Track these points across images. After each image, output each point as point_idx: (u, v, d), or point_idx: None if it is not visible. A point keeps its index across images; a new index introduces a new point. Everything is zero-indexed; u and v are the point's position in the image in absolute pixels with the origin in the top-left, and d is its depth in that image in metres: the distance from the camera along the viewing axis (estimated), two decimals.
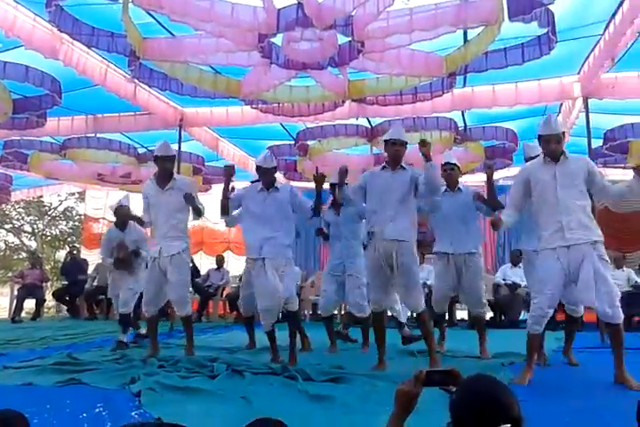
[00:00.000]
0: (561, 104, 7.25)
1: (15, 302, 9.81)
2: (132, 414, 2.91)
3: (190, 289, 9.73)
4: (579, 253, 3.53)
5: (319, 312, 5.93)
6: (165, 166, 4.76)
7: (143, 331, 5.86)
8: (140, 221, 4.90)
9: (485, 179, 4.59)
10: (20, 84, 5.94)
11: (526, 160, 4.63)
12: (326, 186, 4.64)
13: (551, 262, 3.61)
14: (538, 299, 3.68)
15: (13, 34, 5.15)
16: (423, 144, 3.99)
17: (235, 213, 4.64)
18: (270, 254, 4.30)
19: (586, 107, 6.34)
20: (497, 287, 8.39)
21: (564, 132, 3.75)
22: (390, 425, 1.53)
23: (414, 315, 4.65)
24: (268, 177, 4.44)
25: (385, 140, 4.29)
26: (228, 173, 4.48)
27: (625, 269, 8.41)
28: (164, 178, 4.75)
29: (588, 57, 5.99)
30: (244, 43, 4.84)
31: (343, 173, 4.36)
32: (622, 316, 3.51)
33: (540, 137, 3.73)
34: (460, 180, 5.07)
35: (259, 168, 4.47)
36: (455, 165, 5.00)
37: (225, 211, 4.54)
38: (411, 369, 1.61)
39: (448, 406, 1.39)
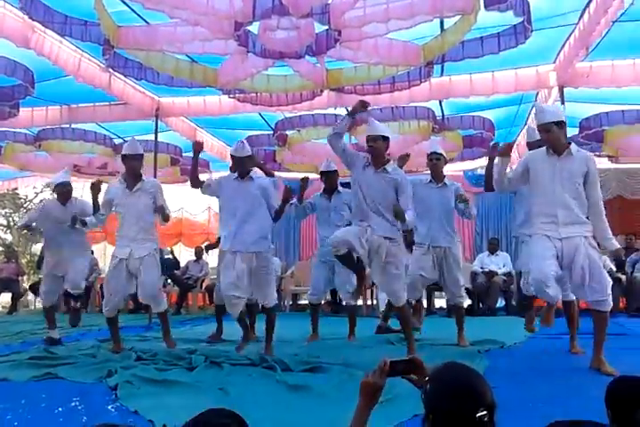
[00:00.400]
0: (537, 93, 7.30)
1: None
2: (109, 407, 2.90)
3: (169, 281, 9.77)
4: (571, 246, 3.54)
5: (302, 302, 5.92)
6: (133, 166, 4.67)
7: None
8: (95, 208, 4.78)
9: (487, 160, 4.34)
10: None
11: (528, 145, 4.58)
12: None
13: (545, 242, 3.58)
14: (530, 271, 3.64)
15: None
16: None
17: (206, 181, 4.56)
18: (241, 247, 4.27)
19: (561, 96, 6.39)
20: (474, 275, 8.48)
21: (560, 122, 3.60)
22: (356, 417, 1.53)
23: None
24: (241, 166, 4.37)
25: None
26: (198, 147, 4.50)
27: None
28: (132, 178, 4.67)
29: (563, 46, 6.02)
30: (220, 31, 4.76)
31: (288, 193, 4.37)
32: (611, 304, 3.57)
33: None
34: (442, 169, 5.05)
35: (232, 157, 4.45)
36: (441, 155, 5.01)
37: (196, 183, 4.48)
38: (387, 357, 1.61)
39: (420, 396, 1.39)
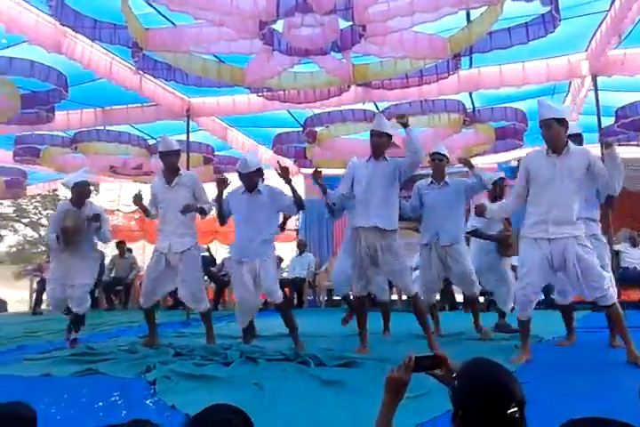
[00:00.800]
0: (570, 83, 7.14)
1: (35, 295, 9.98)
2: (147, 402, 2.98)
3: (206, 278, 9.93)
4: (560, 246, 3.56)
5: (337, 297, 5.93)
6: (170, 161, 4.81)
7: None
8: (146, 212, 4.90)
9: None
10: (26, 80, 5.98)
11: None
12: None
13: (532, 251, 3.65)
14: (521, 285, 3.76)
15: (19, 30, 5.16)
16: (401, 117, 4.16)
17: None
18: (248, 258, 4.44)
19: (595, 85, 6.24)
20: (512, 269, 8.34)
21: (561, 119, 3.57)
22: (382, 412, 1.54)
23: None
24: (247, 181, 4.48)
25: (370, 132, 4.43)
26: (221, 183, 4.53)
27: None
28: (170, 173, 4.80)
29: (594, 34, 5.87)
30: (244, 30, 4.81)
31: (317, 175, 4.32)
32: (615, 295, 3.57)
33: None
34: (444, 169, 5.07)
35: (238, 173, 4.51)
36: (444, 155, 5.04)
37: (222, 220, 4.68)
38: (419, 353, 1.62)
39: (448, 393, 1.38)
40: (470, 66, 6.48)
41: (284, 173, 4.36)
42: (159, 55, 5.61)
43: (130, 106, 7.94)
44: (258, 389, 3.13)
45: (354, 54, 5.48)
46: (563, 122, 3.58)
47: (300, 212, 5.03)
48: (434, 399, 2.61)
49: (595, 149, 4.53)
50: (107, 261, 10.67)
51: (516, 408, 1.24)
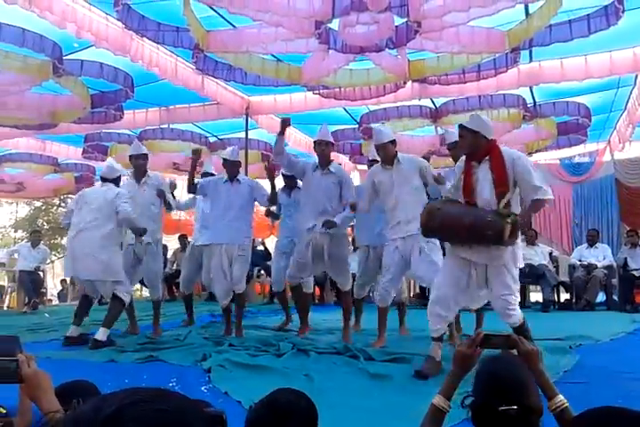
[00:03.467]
0: (636, 76, 6.84)
1: None
2: (202, 388, 3.12)
3: (262, 272, 10.13)
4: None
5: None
6: (138, 164, 5.17)
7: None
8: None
9: None
10: (95, 80, 6.31)
11: (447, 147, 4.77)
12: None
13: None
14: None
15: (91, 34, 5.44)
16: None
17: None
18: (227, 241, 4.76)
19: None
20: (572, 268, 8.12)
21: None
22: (447, 382, 1.59)
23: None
24: (233, 169, 4.87)
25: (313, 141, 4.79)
26: (196, 156, 5.03)
27: None
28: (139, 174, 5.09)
29: None
30: (301, 30, 4.90)
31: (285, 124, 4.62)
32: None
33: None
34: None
35: (225, 160, 4.91)
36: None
37: (191, 189, 4.96)
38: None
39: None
40: (530, 60, 6.33)
41: (269, 172, 4.86)
42: (220, 56, 5.79)
43: (192, 105, 8.22)
44: (308, 380, 3.22)
45: (410, 50, 5.48)
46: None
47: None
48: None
49: None
50: (169, 254, 11.07)
51: (515, 407, 1.27)
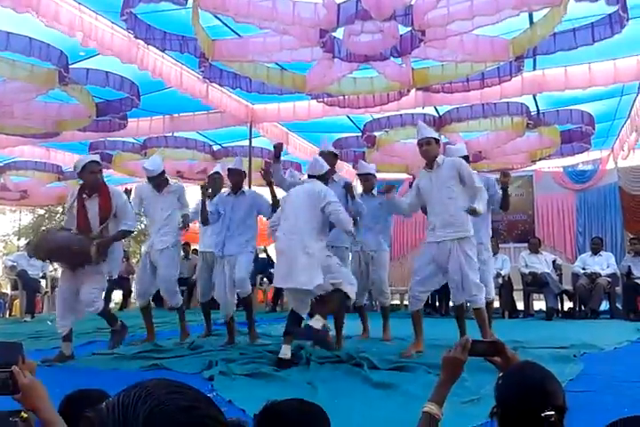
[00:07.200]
0: (639, 84, 6.85)
1: (104, 293, 10.45)
2: None
3: (265, 280, 10.12)
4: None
5: (394, 302, 5.97)
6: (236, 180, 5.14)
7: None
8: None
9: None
10: (101, 89, 6.34)
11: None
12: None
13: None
14: None
15: (97, 43, 5.48)
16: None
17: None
18: (230, 252, 4.85)
19: None
20: (576, 277, 8.09)
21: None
22: (436, 389, 1.58)
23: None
24: (236, 178, 5.05)
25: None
26: (205, 189, 4.99)
27: None
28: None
29: None
30: (306, 39, 4.92)
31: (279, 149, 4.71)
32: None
33: None
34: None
35: (230, 170, 5.09)
36: (371, 174, 5.40)
37: (206, 223, 5.03)
38: (475, 360, 1.65)
39: (494, 389, 1.42)
40: (534, 68, 6.35)
41: (266, 177, 4.81)
42: (226, 65, 5.82)
43: (196, 113, 8.25)
44: (311, 388, 3.21)
45: (414, 58, 5.49)
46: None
47: None
48: (485, 405, 2.60)
49: None
50: None
51: (553, 412, 1.26)
